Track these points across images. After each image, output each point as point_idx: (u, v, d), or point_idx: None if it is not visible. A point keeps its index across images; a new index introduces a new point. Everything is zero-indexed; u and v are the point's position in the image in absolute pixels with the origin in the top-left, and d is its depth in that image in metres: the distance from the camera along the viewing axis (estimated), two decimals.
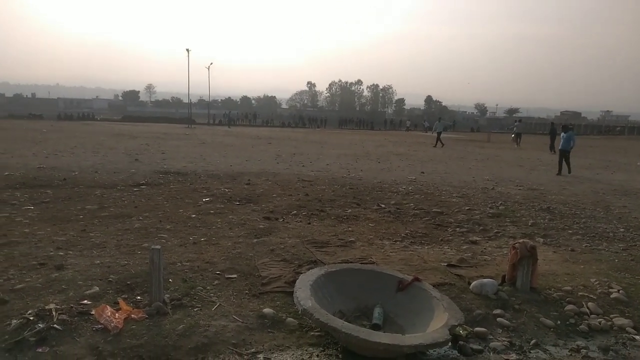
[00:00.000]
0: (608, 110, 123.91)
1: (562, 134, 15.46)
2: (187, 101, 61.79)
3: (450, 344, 3.41)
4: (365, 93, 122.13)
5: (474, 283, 4.52)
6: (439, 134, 27.65)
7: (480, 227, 7.18)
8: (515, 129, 32.11)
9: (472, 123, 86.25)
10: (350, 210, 7.94)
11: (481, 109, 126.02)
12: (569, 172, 14.67)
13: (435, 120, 29.95)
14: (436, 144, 26.64)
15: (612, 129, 67.14)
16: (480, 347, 3.56)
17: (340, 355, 3.32)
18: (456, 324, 3.43)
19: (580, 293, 4.59)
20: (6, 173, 10.14)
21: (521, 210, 8.59)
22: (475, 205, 8.84)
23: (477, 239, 6.52)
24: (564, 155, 14.89)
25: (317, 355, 3.31)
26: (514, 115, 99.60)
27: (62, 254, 4.95)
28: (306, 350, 3.36)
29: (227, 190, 9.33)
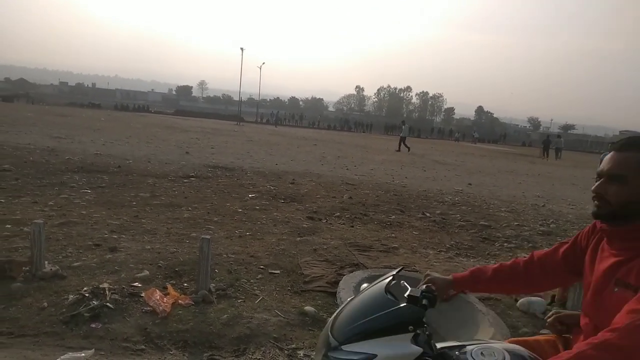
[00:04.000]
0: None
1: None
2: (237, 99, 63.19)
3: None
4: (414, 100, 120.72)
5: (521, 300, 4.38)
6: (402, 138, 27.15)
7: (530, 244, 6.94)
8: (554, 144, 34.32)
9: (524, 137, 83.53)
10: (394, 217, 7.86)
11: (534, 123, 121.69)
12: None
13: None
14: (399, 148, 26.22)
15: None
16: None
17: None
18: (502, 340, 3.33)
19: None
20: (67, 157, 10.70)
21: (574, 230, 8.23)
22: (525, 221, 8.56)
23: (526, 256, 6.29)
24: None
25: None
26: (568, 131, 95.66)
27: (115, 237, 5.17)
28: None
29: (272, 187, 9.46)
